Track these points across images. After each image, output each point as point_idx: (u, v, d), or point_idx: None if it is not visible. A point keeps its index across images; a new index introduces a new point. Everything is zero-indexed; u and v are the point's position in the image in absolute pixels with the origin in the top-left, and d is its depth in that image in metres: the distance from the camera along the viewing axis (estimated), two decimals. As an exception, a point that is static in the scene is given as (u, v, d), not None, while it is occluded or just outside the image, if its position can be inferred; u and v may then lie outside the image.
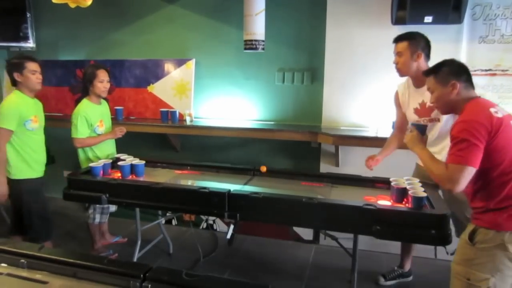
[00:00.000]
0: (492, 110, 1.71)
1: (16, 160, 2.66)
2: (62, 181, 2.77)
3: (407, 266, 2.93)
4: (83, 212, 3.25)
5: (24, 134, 2.66)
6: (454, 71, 1.84)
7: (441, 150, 2.35)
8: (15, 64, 2.64)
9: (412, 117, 2.52)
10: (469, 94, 1.83)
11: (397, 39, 2.46)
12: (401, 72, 2.49)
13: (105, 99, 3.13)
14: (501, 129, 1.67)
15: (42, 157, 2.83)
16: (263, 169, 2.85)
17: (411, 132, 2.07)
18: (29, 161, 2.71)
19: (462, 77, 1.83)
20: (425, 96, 2.37)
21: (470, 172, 1.67)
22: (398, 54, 2.46)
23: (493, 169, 1.70)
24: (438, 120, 2.40)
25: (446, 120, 2.34)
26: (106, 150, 3.08)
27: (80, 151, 3.02)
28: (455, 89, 1.81)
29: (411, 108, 2.53)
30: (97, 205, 3.07)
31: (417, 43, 2.39)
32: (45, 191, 2.91)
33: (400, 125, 2.67)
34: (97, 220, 3.16)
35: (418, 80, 2.42)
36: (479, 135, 1.65)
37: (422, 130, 2.09)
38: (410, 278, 2.94)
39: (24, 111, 2.62)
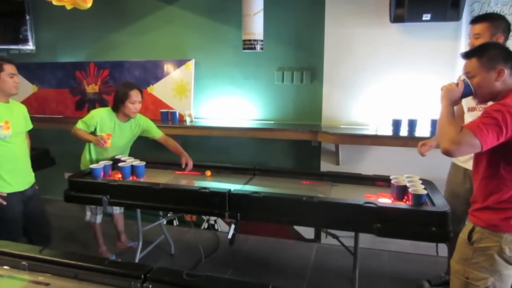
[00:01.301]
0: None
1: None
2: (62, 183, 2.77)
3: None
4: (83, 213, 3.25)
5: None
6: (503, 55, 1.61)
7: (469, 159, 2.22)
8: None
9: (468, 104, 2.35)
10: None
11: (477, 20, 2.29)
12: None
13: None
14: None
15: (20, 168, 2.53)
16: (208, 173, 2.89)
17: (458, 85, 1.72)
18: (2, 174, 2.41)
19: (510, 63, 1.60)
20: None
21: (475, 146, 1.51)
22: (475, 35, 2.28)
23: (507, 165, 1.60)
24: None
25: None
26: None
27: (86, 152, 3.01)
28: (501, 76, 1.59)
29: (466, 106, 2.38)
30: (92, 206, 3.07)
31: (498, 25, 2.24)
32: (37, 201, 2.67)
33: (459, 114, 2.43)
34: (87, 218, 3.15)
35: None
36: (509, 119, 1.49)
37: (467, 93, 1.71)
38: None
39: None
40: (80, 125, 2.91)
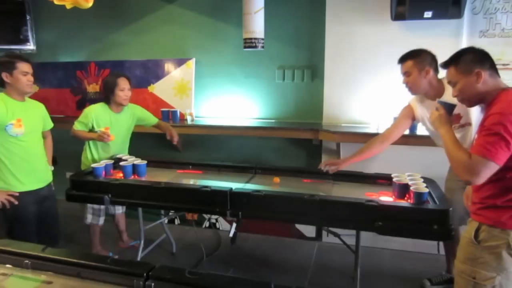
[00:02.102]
0: None
1: (1, 172, 2.39)
2: (64, 183, 2.77)
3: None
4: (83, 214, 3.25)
5: (6, 141, 2.35)
6: (477, 58, 1.68)
7: None
8: (5, 63, 2.35)
9: (433, 130, 2.38)
10: (497, 83, 1.68)
11: (401, 59, 2.39)
12: (413, 91, 2.42)
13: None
14: None
15: (34, 167, 2.50)
16: (276, 180, 2.75)
17: (438, 110, 1.84)
18: (15, 173, 2.41)
19: (486, 64, 1.67)
20: None
21: (493, 168, 1.57)
22: (405, 74, 2.39)
23: None
24: (469, 124, 2.32)
25: (477, 122, 2.18)
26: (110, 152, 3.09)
27: (88, 151, 3.01)
28: (480, 78, 1.65)
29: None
30: (88, 205, 3.05)
31: (423, 59, 2.33)
32: (52, 201, 2.66)
33: (390, 135, 2.55)
34: (89, 220, 3.12)
35: (433, 92, 2.36)
36: None
37: (450, 109, 1.85)
38: None
39: (3, 115, 2.31)
40: (77, 125, 2.92)
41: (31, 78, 2.43)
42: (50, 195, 2.64)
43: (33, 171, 2.50)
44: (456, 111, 2.25)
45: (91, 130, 2.93)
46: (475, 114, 2.26)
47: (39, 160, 2.56)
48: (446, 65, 1.77)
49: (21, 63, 2.37)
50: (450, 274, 2.75)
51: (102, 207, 3.11)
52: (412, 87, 2.39)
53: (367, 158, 2.60)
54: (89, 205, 3.07)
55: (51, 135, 2.79)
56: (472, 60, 1.68)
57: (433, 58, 2.35)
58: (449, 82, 1.78)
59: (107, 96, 2.95)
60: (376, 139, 2.58)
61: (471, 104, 1.78)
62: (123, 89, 2.92)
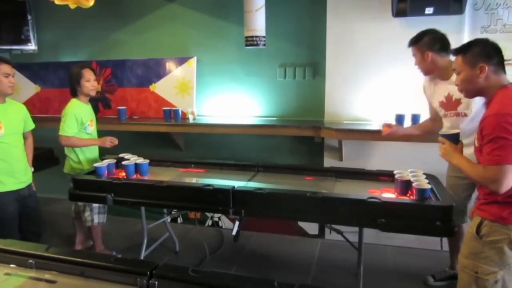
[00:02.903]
0: None
1: None
2: (64, 182, 2.79)
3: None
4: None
5: None
6: (485, 53, 1.68)
7: (470, 145, 2.15)
8: None
9: (438, 110, 2.54)
10: (500, 80, 1.69)
11: (409, 44, 2.51)
12: (423, 72, 2.55)
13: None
14: None
15: (14, 168, 2.53)
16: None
17: (443, 143, 1.88)
18: None
19: (493, 60, 1.68)
20: (450, 89, 2.38)
21: (509, 170, 1.57)
22: (414, 56, 2.52)
23: None
24: (465, 115, 2.39)
25: (474, 115, 2.27)
26: (95, 153, 3.10)
27: (72, 154, 2.98)
28: (483, 73, 1.68)
29: (436, 101, 2.54)
30: (94, 205, 3.01)
31: (421, 44, 2.44)
32: (34, 201, 2.71)
33: (433, 116, 2.69)
34: (96, 220, 3.07)
35: (443, 73, 2.46)
36: None
37: (454, 139, 1.88)
38: None
39: None
40: (68, 131, 2.85)
41: (13, 80, 2.47)
42: (31, 195, 2.68)
43: (13, 172, 2.53)
44: (457, 96, 2.30)
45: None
46: (476, 107, 2.28)
47: (19, 162, 2.58)
48: (455, 53, 1.79)
49: (3, 65, 2.41)
50: (453, 271, 2.75)
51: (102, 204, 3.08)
52: (421, 69, 2.53)
53: (420, 134, 2.74)
54: (94, 205, 3.02)
55: (32, 136, 2.81)
56: (480, 53, 1.69)
57: (433, 39, 2.43)
58: (453, 70, 1.85)
59: (74, 88, 2.95)
60: (426, 120, 2.76)
61: (469, 95, 1.81)
62: (89, 79, 2.93)
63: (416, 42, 2.46)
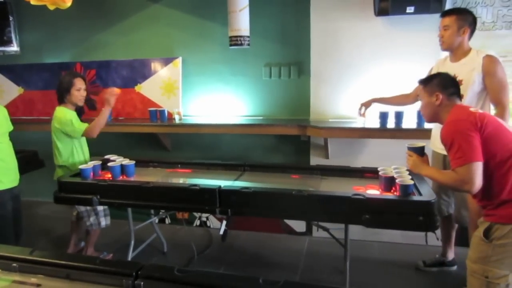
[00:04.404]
0: (471, 109, 1.87)
1: None
2: (51, 185, 2.76)
3: (450, 255, 2.86)
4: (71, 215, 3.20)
5: None
6: (441, 84, 1.96)
7: None
8: None
9: None
10: (452, 104, 1.93)
11: (445, 13, 2.49)
12: (445, 45, 2.51)
13: (81, 108, 3.06)
14: (485, 121, 1.74)
15: (9, 166, 2.67)
16: None
17: (410, 156, 2.11)
18: None
19: (448, 90, 1.94)
20: (457, 71, 2.42)
21: (478, 167, 1.70)
22: (444, 27, 2.48)
23: (490, 160, 1.72)
24: (462, 96, 2.40)
25: (471, 97, 2.39)
26: (86, 156, 3.07)
27: (61, 161, 2.93)
28: (438, 100, 1.94)
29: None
30: (99, 209, 2.94)
31: (465, 18, 2.43)
32: (19, 201, 2.80)
33: (413, 94, 2.78)
34: (103, 223, 3.00)
35: (457, 55, 2.50)
36: (468, 131, 1.72)
37: (420, 151, 2.12)
38: (455, 267, 2.85)
39: None
40: (78, 124, 2.86)
41: None
42: (17, 195, 2.78)
43: (9, 170, 2.67)
44: (459, 78, 2.37)
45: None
46: (471, 91, 2.41)
47: (13, 160, 2.73)
48: (420, 82, 2.07)
49: None
50: (443, 257, 2.86)
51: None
52: (446, 41, 2.49)
53: (391, 104, 2.94)
54: (99, 208, 2.95)
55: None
56: (437, 84, 1.97)
57: (474, 20, 2.47)
58: (417, 96, 2.11)
59: (62, 95, 2.91)
60: (404, 94, 2.87)
61: (427, 119, 2.07)
62: (79, 89, 2.89)
63: (458, 13, 2.44)
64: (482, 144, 1.71)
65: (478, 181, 1.70)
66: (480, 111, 1.87)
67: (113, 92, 2.92)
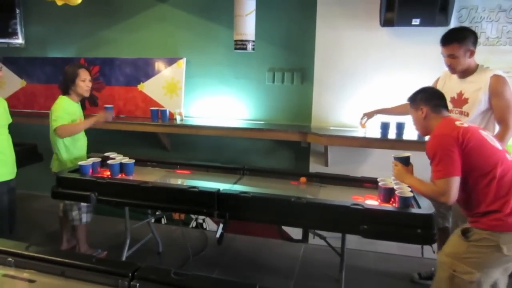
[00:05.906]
0: (457, 123, 1.92)
1: None
2: (50, 179, 2.75)
3: None
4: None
5: None
6: (425, 98, 2.05)
7: None
8: None
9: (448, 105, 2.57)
10: (439, 116, 2.01)
11: (446, 42, 2.44)
12: (455, 71, 2.52)
13: (85, 100, 3.07)
14: (468, 135, 1.82)
15: (8, 158, 2.70)
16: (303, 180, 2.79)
17: (396, 165, 2.18)
18: None
19: (432, 102, 2.03)
20: (463, 87, 2.45)
21: (455, 181, 1.80)
22: (449, 56, 2.45)
23: (472, 173, 1.81)
24: (467, 114, 2.47)
25: (475, 116, 2.42)
26: (83, 151, 3.07)
27: (60, 153, 2.94)
28: (423, 113, 2.04)
29: (448, 96, 2.51)
30: (82, 204, 2.97)
31: (467, 42, 2.39)
32: (14, 193, 2.83)
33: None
34: (84, 219, 3.03)
35: (464, 72, 2.49)
36: (450, 146, 1.81)
37: (405, 161, 2.17)
38: None
39: None
40: (61, 121, 2.84)
41: (1, 73, 2.57)
42: (14, 187, 2.81)
43: (7, 163, 2.69)
44: (466, 95, 2.45)
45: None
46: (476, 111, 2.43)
47: (11, 152, 2.76)
48: (407, 101, 2.17)
49: None
50: None
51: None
52: (456, 68, 2.48)
53: (394, 114, 2.96)
54: (82, 204, 2.96)
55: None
56: (421, 98, 2.06)
57: (475, 37, 2.46)
58: (407, 113, 2.21)
59: (67, 86, 2.92)
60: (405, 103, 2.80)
61: (421, 133, 2.15)
62: (84, 79, 2.91)
63: (460, 40, 2.39)
64: (463, 158, 1.80)
65: (453, 194, 1.80)
66: (466, 125, 1.91)
67: (108, 117, 3.02)
